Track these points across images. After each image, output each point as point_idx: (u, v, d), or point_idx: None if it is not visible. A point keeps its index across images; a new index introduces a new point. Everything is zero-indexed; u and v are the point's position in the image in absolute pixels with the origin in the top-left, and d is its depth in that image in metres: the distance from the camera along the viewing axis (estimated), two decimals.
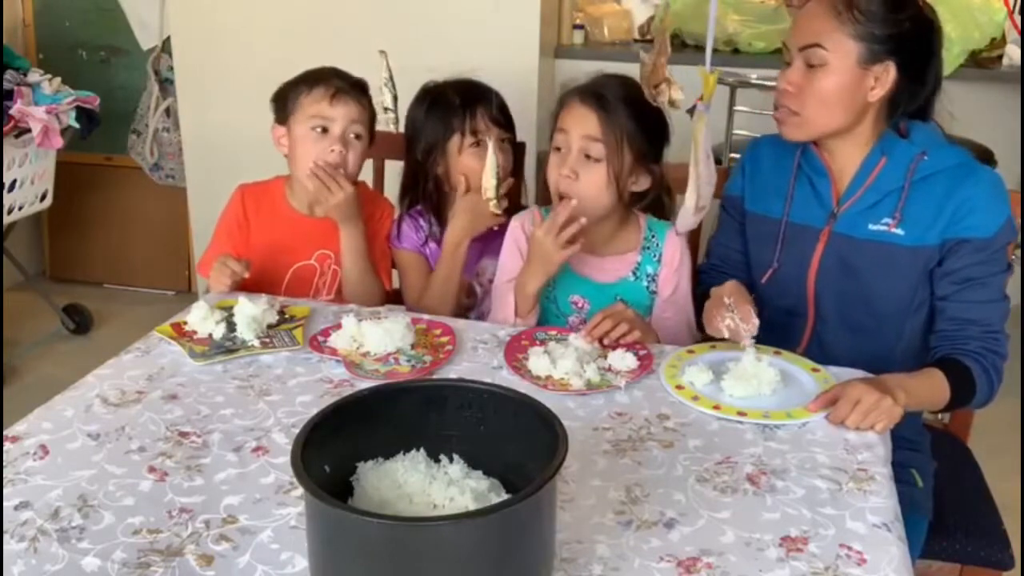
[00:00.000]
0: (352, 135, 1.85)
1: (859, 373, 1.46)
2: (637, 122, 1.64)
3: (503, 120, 1.91)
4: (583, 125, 1.64)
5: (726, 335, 1.47)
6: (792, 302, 1.65)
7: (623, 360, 1.48)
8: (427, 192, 1.93)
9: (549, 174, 1.69)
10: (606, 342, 1.54)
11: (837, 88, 1.53)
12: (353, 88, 1.87)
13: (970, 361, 1.50)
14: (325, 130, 1.83)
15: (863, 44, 1.51)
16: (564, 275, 1.72)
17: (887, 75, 1.53)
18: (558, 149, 1.68)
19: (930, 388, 1.49)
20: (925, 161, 1.55)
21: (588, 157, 1.64)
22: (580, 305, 1.74)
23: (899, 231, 1.56)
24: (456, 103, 1.88)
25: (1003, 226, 1.52)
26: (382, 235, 1.96)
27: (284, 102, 1.88)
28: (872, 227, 1.58)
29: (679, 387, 1.42)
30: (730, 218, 1.76)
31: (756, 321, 1.47)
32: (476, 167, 1.82)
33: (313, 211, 1.91)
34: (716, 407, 1.36)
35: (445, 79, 1.94)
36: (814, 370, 1.47)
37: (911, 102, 1.57)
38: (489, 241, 1.91)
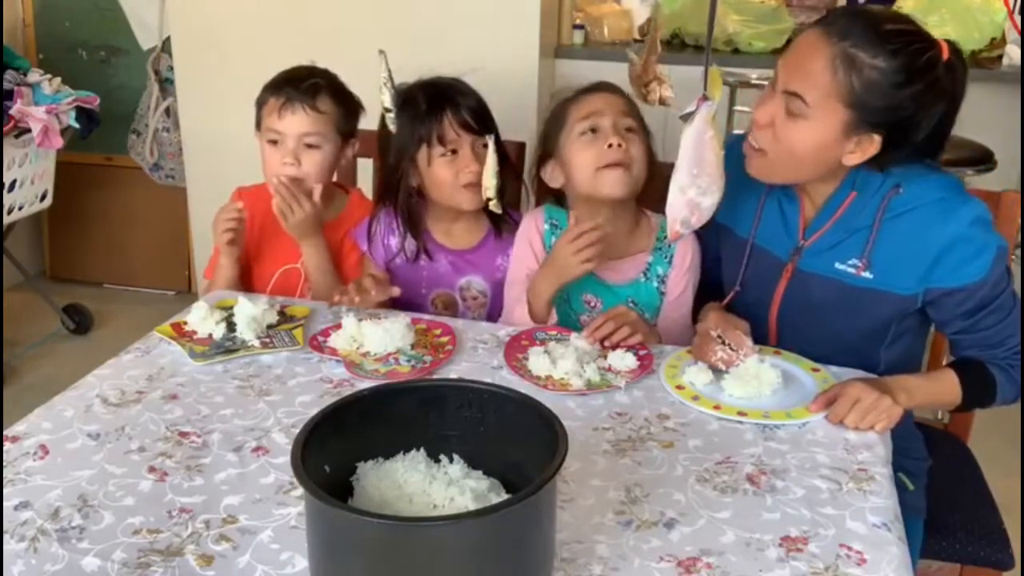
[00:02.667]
0: (306, 145, 1.83)
1: (859, 373, 1.46)
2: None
3: (479, 123, 1.77)
4: (614, 104, 1.66)
5: (722, 368, 1.44)
6: (754, 325, 1.57)
7: (623, 360, 1.48)
8: (399, 203, 1.83)
9: (583, 158, 1.65)
10: (607, 344, 1.53)
11: (811, 145, 1.41)
12: (307, 94, 1.81)
13: (993, 368, 1.46)
14: (279, 142, 1.83)
15: (852, 112, 1.37)
16: None
17: (870, 145, 1.41)
18: (586, 133, 1.65)
19: (935, 389, 1.47)
20: (899, 196, 1.44)
21: (629, 131, 1.66)
22: (593, 304, 1.74)
23: (868, 275, 1.47)
24: (423, 109, 1.77)
25: (994, 259, 1.41)
26: None
27: (257, 107, 1.88)
28: (839, 266, 1.49)
29: (679, 387, 1.42)
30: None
31: (750, 343, 1.46)
32: (448, 178, 1.76)
33: None
34: (716, 407, 1.36)
35: (417, 79, 1.82)
36: (814, 370, 1.47)
37: (899, 163, 1.44)
38: (470, 256, 1.88)
